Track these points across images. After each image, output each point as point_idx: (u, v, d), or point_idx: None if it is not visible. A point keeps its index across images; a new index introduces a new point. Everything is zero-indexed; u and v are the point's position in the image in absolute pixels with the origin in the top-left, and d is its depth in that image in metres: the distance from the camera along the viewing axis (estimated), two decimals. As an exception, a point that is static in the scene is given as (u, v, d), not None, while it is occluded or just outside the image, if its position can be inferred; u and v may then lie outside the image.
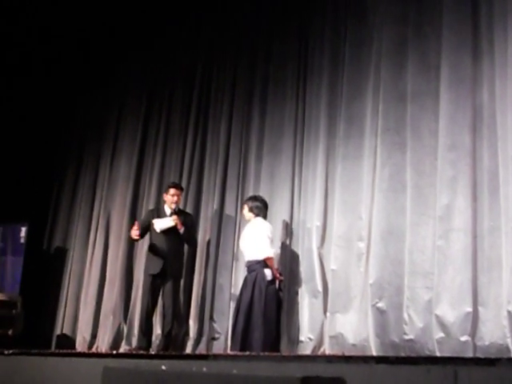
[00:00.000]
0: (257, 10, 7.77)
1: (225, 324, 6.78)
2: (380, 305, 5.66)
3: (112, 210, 8.48)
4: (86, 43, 9.00)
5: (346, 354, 5.46)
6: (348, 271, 6.01)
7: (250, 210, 6.35)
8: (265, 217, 6.36)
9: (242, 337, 5.85)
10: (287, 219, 6.66)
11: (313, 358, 5.17)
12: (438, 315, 5.25)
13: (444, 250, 5.39)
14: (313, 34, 7.05)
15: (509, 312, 4.91)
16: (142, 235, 6.96)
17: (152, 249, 6.88)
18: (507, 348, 4.82)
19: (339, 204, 6.25)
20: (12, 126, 8.92)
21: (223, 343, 6.70)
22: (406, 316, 5.45)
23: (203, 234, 7.41)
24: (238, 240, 6.70)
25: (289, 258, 6.54)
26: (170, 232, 6.76)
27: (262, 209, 6.35)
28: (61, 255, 8.86)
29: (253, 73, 7.54)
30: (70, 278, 8.60)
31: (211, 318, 6.95)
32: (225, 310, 6.88)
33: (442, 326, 5.20)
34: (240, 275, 6.69)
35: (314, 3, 7.16)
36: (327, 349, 5.90)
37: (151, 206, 7.78)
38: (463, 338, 5.08)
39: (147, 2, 8.45)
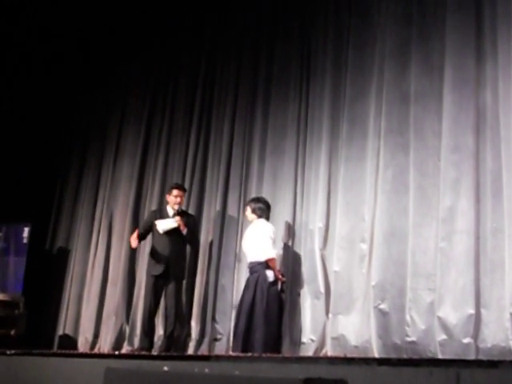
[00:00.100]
0: (259, 10, 7.77)
1: (227, 325, 6.78)
2: (382, 306, 5.65)
3: (115, 210, 8.48)
4: (86, 43, 8.99)
5: (348, 355, 5.47)
6: (350, 273, 6.00)
7: (253, 211, 6.35)
8: (267, 218, 6.36)
9: (244, 338, 5.85)
10: (290, 220, 6.66)
11: (315, 360, 5.17)
12: (440, 317, 5.24)
13: (447, 251, 5.38)
14: (315, 34, 7.05)
15: (511, 314, 4.90)
16: (144, 236, 6.99)
17: (154, 250, 6.89)
18: (510, 350, 4.81)
19: (342, 205, 6.25)
20: (14, 127, 8.93)
21: (225, 344, 6.70)
22: (408, 318, 5.44)
23: (206, 235, 7.41)
24: (241, 241, 6.70)
25: (291, 260, 6.53)
26: (172, 233, 6.77)
27: (264, 210, 6.35)
28: (63, 255, 8.87)
29: (256, 73, 7.54)
30: (72, 278, 8.60)
31: (213, 318, 6.95)
32: (227, 311, 6.88)
33: (445, 327, 5.19)
34: (242, 276, 6.69)
35: (316, 4, 7.15)
36: (329, 350, 5.89)
37: (154, 207, 7.79)
38: (466, 340, 5.07)
39: (149, 2, 8.45)
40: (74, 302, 8.45)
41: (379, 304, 5.66)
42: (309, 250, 6.40)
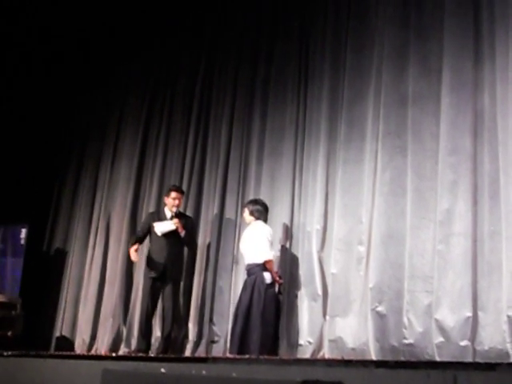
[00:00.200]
0: (258, 11, 7.78)
1: (224, 327, 6.78)
2: (380, 309, 5.65)
3: (112, 211, 8.47)
4: (86, 43, 8.99)
5: (346, 357, 5.47)
6: (348, 275, 6.00)
7: (251, 213, 6.35)
8: (265, 220, 6.36)
9: (240, 339, 5.85)
10: (287, 222, 6.66)
11: (312, 362, 5.17)
12: (437, 319, 5.25)
13: (444, 254, 5.38)
14: (314, 36, 7.06)
15: (508, 317, 4.91)
16: (142, 240, 7.01)
17: (152, 252, 6.88)
18: (507, 353, 4.82)
19: (339, 207, 6.25)
20: (12, 127, 8.91)
21: (223, 346, 6.69)
22: (405, 320, 5.45)
23: (203, 237, 7.41)
24: (238, 243, 6.70)
25: (289, 262, 6.54)
26: (170, 235, 6.76)
27: (262, 212, 6.35)
28: (61, 257, 8.85)
29: (254, 75, 7.54)
30: (69, 279, 8.59)
31: (211, 320, 6.95)
32: (224, 312, 6.87)
33: (442, 330, 5.20)
34: (240, 278, 6.69)
35: (315, 6, 7.16)
36: (326, 352, 5.89)
37: (152, 208, 7.78)
38: (463, 343, 5.08)
39: (148, 2, 8.46)
40: (72, 303, 8.44)
41: (376, 306, 5.66)
42: (306, 252, 6.40)
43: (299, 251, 6.50)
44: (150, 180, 8.20)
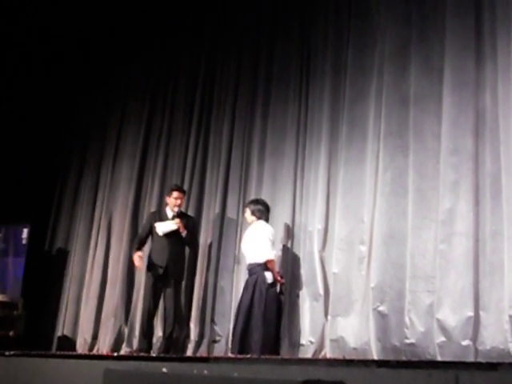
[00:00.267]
0: (259, 10, 7.78)
1: (226, 327, 6.78)
2: (381, 308, 5.65)
3: (114, 211, 8.48)
4: (86, 43, 9.00)
5: (347, 357, 5.47)
6: (349, 275, 6.00)
7: (252, 213, 6.35)
8: (267, 220, 6.36)
9: (241, 338, 5.85)
10: (289, 222, 6.66)
11: (314, 362, 5.18)
12: (439, 319, 5.24)
13: (446, 254, 5.38)
14: (315, 36, 7.05)
15: (510, 316, 4.90)
16: (145, 240, 7.01)
17: (154, 251, 6.88)
18: (508, 352, 4.81)
19: (341, 207, 6.25)
20: (13, 127, 8.92)
21: (224, 346, 6.69)
22: (407, 320, 5.44)
23: (205, 237, 7.41)
24: (240, 243, 6.70)
25: (290, 261, 6.54)
26: (171, 235, 6.77)
27: (263, 212, 6.35)
28: (62, 256, 8.87)
29: (255, 74, 7.54)
30: (71, 279, 8.60)
31: (212, 320, 6.95)
32: (226, 312, 6.87)
33: (444, 330, 5.19)
34: (241, 278, 6.69)
35: (316, 5, 7.16)
36: (328, 352, 5.89)
37: (153, 208, 7.79)
38: (464, 343, 5.07)
39: (149, 2, 8.46)
40: (73, 302, 8.45)
41: (378, 306, 5.66)
42: (308, 252, 6.40)
43: (301, 251, 6.50)
44: (152, 180, 8.20)
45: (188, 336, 7.09)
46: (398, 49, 6.18)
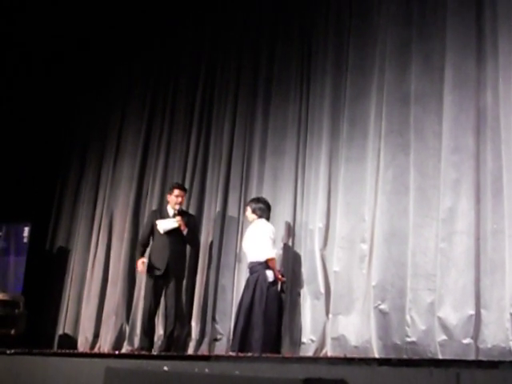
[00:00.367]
0: (260, 10, 7.77)
1: (227, 325, 6.78)
2: (382, 307, 5.65)
3: (115, 210, 8.48)
4: (86, 43, 8.99)
5: (348, 355, 5.47)
6: (350, 273, 6.00)
7: (253, 211, 6.36)
8: (268, 218, 6.36)
9: (242, 337, 5.85)
10: (290, 220, 6.66)
11: (315, 360, 5.17)
12: (440, 317, 5.24)
13: (447, 252, 5.38)
14: (316, 35, 7.05)
15: (511, 315, 4.90)
16: (147, 244, 7.02)
17: (155, 249, 6.89)
18: (510, 351, 4.81)
19: (342, 206, 6.25)
20: (14, 126, 8.93)
21: (225, 344, 6.70)
22: (408, 318, 5.45)
23: (206, 235, 7.41)
24: (241, 241, 6.71)
25: (291, 260, 6.54)
26: (172, 233, 6.77)
27: (264, 210, 6.35)
28: (63, 255, 8.87)
29: (256, 74, 7.54)
30: (72, 277, 8.60)
31: (213, 318, 6.95)
32: (227, 311, 6.88)
33: (445, 328, 5.19)
34: (242, 276, 6.69)
35: (317, 4, 7.15)
36: (329, 350, 5.89)
37: (154, 207, 7.79)
38: (466, 341, 5.07)
39: (149, 2, 8.45)
40: (74, 301, 8.45)
41: (379, 304, 5.66)
42: (309, 251, 6.41)
43: (302, 249, 6.50)
44: (153, 178, 8.21)
45: (189, 334, 7.09)
46: (399, 47, 6.17)
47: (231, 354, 5.96)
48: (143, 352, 6.43)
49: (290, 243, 6.62)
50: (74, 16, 8.48)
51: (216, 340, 6.85)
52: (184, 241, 6.90)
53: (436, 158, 5.67)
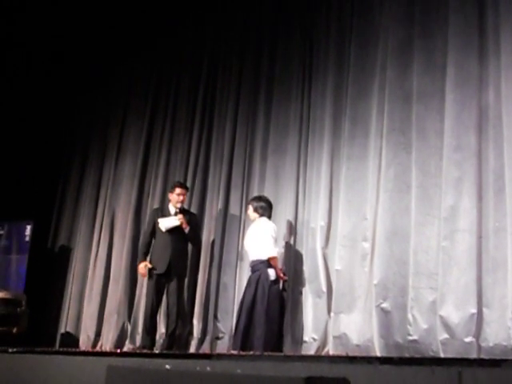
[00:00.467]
0: (261, 9, 7.77)
1: (229, 323, 6.78)
2: (384, 305, 5.65)
3: (117, 208, 8.49)
4: (86, 43, 8.99)
5: (350, 354, 5.47)
6: (352, 271, 6.00)
7: (255, 210, 6.36)
8: (269, 217, 6.37)
9: (243, 335, 5.86)
10: (291, 219, 6.66)
11: (316, 358, 5.17)
12: (442, 316, 5.24)
13: (449, 250, 5.37)
14: (318, 33, 7.04)
15: (513, 313, 4.91)
16: (149, 245, 7.01)
17: (156, 248, 6.89)
18: (512, 349, 4.82)
19: (344, 204, 6.24)
20: (16, 125, 8.93)
21: (227, 343, 6.70)
22: (410, 317, 5.45)
23: (208, 234, 7.42)
24: (243, 240, 6.71)
25: (293, 258, 6.54)
26: (174, 231, 6.78)
27: (266, 209, 6.36)
28: (65, 253, 8.88)
29: (258, 72, 7.54)
30: (74, 276, 8.61)
31: (215, 317, 6.95)
32: (229, 309, 6.88)
33: (447, 326, 5.19)
34: (244, 275, 6.69)
35: (318, 3, 7.14)
36: (331, 349, 5.89)
37: (156, 205, 7.79)
38: (467, 339, 5.07)
39: (150, 2, 8.44)
40: (76, 299, 8.46)
41: (381, 303, 5.66)
42: (311, 249, 6.40)
43: (303, 248, 6.50)
44: (155, 177, 8.21)
45: (191, 333, 7.09)
46: (401, 46, 6.16)
47: (233, 352, 5.97)
48: (145, 350, 6.44)
49: (292, 242, 6.62)
50: (74, 16, 8.47)
51: (218, 338, 6.86)
52: (186, 239, 6.91)
53: (438, 156, 5.67)
